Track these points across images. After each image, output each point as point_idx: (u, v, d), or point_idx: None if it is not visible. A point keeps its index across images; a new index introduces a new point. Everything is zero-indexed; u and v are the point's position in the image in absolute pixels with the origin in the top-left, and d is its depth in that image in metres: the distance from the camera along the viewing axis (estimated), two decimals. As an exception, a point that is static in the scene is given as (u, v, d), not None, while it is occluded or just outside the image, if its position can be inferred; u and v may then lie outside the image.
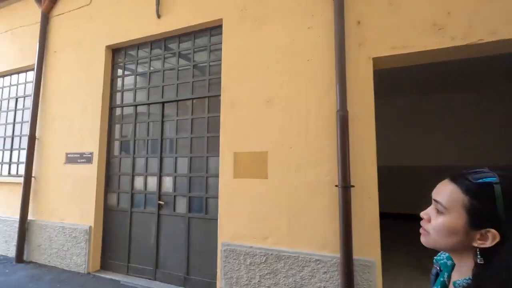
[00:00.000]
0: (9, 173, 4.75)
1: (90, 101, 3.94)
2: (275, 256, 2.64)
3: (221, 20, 3.21)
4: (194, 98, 3.42)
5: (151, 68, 3.76)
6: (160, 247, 3.43)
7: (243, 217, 2.84)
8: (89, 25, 4.12)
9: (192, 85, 3.44)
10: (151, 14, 3.62)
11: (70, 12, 4.33)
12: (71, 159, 3.97)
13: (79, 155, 3.92)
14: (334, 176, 2.51)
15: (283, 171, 2.72)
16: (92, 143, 3.85)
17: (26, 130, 4.64)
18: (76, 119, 4.03)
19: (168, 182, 3.47)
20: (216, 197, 3.09)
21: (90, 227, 3.70)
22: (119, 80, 4.00)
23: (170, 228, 3.38)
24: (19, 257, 4.04)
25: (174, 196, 3.40)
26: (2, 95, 5.05)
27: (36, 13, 4.62)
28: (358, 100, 2.51)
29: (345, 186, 2.37)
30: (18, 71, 4.87)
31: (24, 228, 4.09)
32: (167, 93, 3.60)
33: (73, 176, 3.93)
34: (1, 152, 4.89)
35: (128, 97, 3.91)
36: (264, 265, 2.68)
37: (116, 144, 3.92)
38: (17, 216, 4.24)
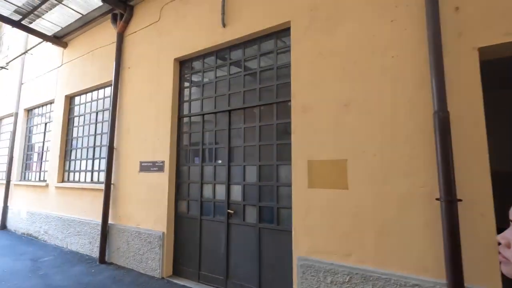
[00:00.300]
0: (91, 180, 5.25)
1: (161, 112, 4.14)
2: (361, 276, 2.38)
3: (289, 22, 3.09)
4: (262, 105, 3.34)
5: (217, 77, 3.80)
6: (231, 257, 3.39)
7: (321, 231, 2.63)
8: (158, 40, 4.36)
9: (259, 92, 3.37)
10: (217, 24, 3.67)
11: (141, 30, 4.65)
12: (144, 167, 4.21)
13: (151, 164, 4.13)
14: (431, 187, 2.17)
15: (367, 181, 2.45)
16: (163, 152, 4.02)
17: (105, 141, 5.10)
18: (148, 129, 4.27)
19: (236, 190, 3.44)
20: (288, 208, 2.94)
21: (163, 233, 3.84)
22: (187, 91, 4.14)
23: (240, 238, 3.33)
24: (102, 258, 4.39)
25: (243, 205, 3.35)
26: (85, 110, 5.65)
27: (112, 34, 5.07)
28: (461, 98, 2.14)
29: (450, 200, 2.01)
30: (98, 88, 5.40)
31: (105, 231, 4.44)
32: (234, 101, 3.59)
33: (147, 183, 4.15)
34: (85, 161, 5.45)
35: (196, 107, 4.01)
36: (348, 285, 2.43)
37: (185, 153, 4.03)
38: (99, 220, 4.64)
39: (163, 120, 4.10)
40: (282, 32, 3.25)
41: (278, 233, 3.05)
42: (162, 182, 3.98)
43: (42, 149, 6.56)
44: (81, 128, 5.66)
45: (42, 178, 6.39)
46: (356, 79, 2.61)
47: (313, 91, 2.84)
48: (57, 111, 6.07)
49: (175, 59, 4.13)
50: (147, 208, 4.11)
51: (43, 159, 6.49)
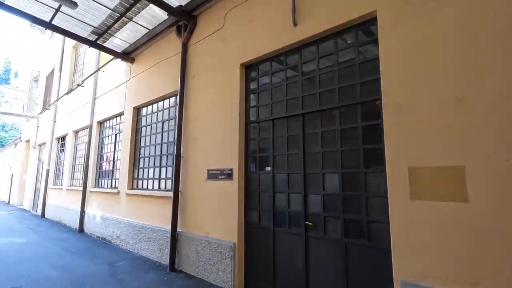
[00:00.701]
0: (159, 187, 5.41)
1: (228, 118, 4.06)
2: (496, 312, 1.90)
3: (374, 12, 2.75)
4: (342, 106, 3.02)
5: (288, 79, 3.59)
6: (310, 274, 3.09)
7: (432, 251, 2.20)
8: (223, 47, 4.32)
9: (337, 92, 3.07)
10: (286, 24, 3.48)
11: (205, 39, 4.68)
12: (212, 175, 4.15)
13: (219, 172, 4.05)
14: None
15: (497, 193, 1.98)
16: (231, 159, 3.92)
17: (172, 149, 5.22)
18: (215, 137, 4.22)
19: (315, 200, 3.14)
20: (383, 222, 2.56)
21: (234, 243, 3.70)
22: (254, 96, 4.00)
23: (322, 254, 3.01)
24: (172, 265, 4.42)
25: (324, 217, 3.04)
26: (151, 120, 5.90)
27: (176, 46, 5.22)
28: None
29: None
30: (163, 98, 5.59)
31: (175, 239, 4.47)
32: (308, 104, 3.34)
33: (215, 192, 4.08)
34: (152, 169, 5.65)
35: (264, 112, 3.84)
36: (477, 322, 1.96)
37: (254, 160, 3.87)
38: (167, 227, 4.71)
39: (230, 127, 4.01)
40: (365, 24, 2.92)
41: (369, 250, 2.67)
42: (231, 190, 3.87)
43: (113, 158, 7.03)
44: (148, 138, 5.92)
45: (113, 185, 6.83)
46: (472, 68, 2.16)
47: (410, 86, 2.45)
48: (126, 122, 6.46)
49: (241, 64, 4.03)
50: (216, 217, 4.03)
51: (114, 167, 6.95)
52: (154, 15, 5.03)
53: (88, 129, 8.31)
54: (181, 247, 4.45)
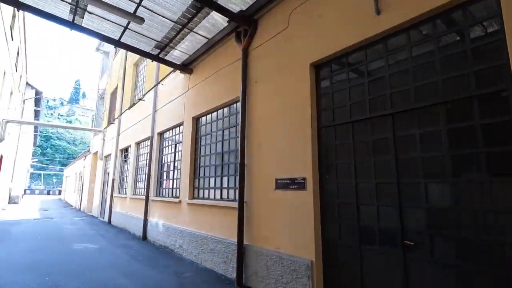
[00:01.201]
0: (221, 197, 5.29)
1: (297, 123, 3.76)
2: None
3: (492, -17, 2.24)
4: (448, 101, 2.51)
5: (370, 76, 3.18)
6: (414, 305, 2.57)
7: None
8: (289, 48, 4.07)
9: (440, 84, 2.57)
10: (366, 13, 3.08)
11: (267, 42, 4.49)
12: (281, 185, 3.86)
13: (290, 181, 3.74)
14: None
15: None
16: (303, 167, 3.59)
17: (233, 158, 5.07)
18: (283, 143, 3.94)
19: (415, 215, 2.64)
20: (525, 246, 1.97)
21: (311, 261, 3.32)
22: (327, 97, 3.65)
23: (429, 281, 2.48)
24: (239, 281, 4.19)
25: (430, 235, 2.51)
26: (211, 129, 5.87)
27: (235, 53, 5.14)
28: None
29: None
30: (223, 106, 5.53)
31: (241, 252, 4.25)
32: (398, 102, 2.87)
33: (285, 203, 3.77)
34: (213, 178, 5.58)
35: (341, 114, 3.45)
36: None
37: (331, 168, 3.49)
38: (232, 239, 4.52)
39: (301, 132, 3.69)
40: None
41: (507, 281, 2.09)
42: (304, 201, 3.52)
43: (173, 168, 7.19)
44: (208, 147, 5.90)
45: (174, 195, 6.95)
46: None
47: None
48: (186, 132, 6.56)
49: (311, 64, 3.72)
50: (287, 230, 3.70)
51: (175, 176, 7.09)
52: (214, 23, 5.01)
53: (149, 140, 8.72)
54: (249, 262, 4.21)
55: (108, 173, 13.08)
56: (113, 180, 11.53)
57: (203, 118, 6.21)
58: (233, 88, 5.12)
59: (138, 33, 5.49)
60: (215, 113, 5.82)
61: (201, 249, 5.35)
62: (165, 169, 7.73)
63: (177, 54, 6.23)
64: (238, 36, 5.05)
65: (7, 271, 4.71)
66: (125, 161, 11.17)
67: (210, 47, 5.78)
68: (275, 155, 4.06)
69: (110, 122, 13.83)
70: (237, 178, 4.68)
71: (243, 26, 4.80)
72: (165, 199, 7.06)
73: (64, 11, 4.94)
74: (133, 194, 9.53)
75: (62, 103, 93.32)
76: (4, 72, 11.59)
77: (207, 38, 5.51)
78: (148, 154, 8.46)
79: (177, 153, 7.16)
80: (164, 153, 7.93)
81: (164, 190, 7.59)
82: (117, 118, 12.16)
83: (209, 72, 5.99)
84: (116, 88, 13.60)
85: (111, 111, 14.46)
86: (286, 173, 3.81)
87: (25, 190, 34.66)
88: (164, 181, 7.64)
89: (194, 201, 5.85)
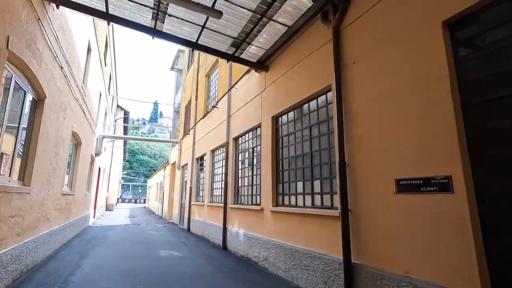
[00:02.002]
0: (312, 204, 4.54)
1: (426, 102, 2.81)
2: None
3: None
4: None
5: None
6: None
7: None
8: (403, 11, 3.17)
9: None
10: None
11: (368, 12, 3.66)
12: (407, 187, 2.91)
13: (421, 181, 2.77)
14: None
15: None
16: (444, 161, 2.60)
17: (325, 157, 4.30)
18: (403, 132, 3.01)
19: None
20: None
21: (475, 297, 2.28)
22: (475, 62, 2.61)
23: None
24: (349, 309, 3.33)
25: None
26: (294, 127, 5.22)
27: (323, 35, 4.44)
28: None
29: None
30: (308, 100, 4.84)
31: (350, 274, 3.39)
32: None
33: (415, 211, 2.81)
34: (300, 182, 4.87)
35: (500, 84, 2.39)
36: None
37: (493, 161, 2.42)
38: (334, 255, 3.71)
39: (435, 114, 2.72)
40: None
41: None
42: (449, 209, 2.52)
43: (252, 173, 6.75)
44: (292, 148, 5.25)
45: (254, 202, 6.47)
46: None
47: None
48: (264, 134, 6.06)
49: (445, 22, 2.75)
50: (422, 249, 2.72)
51: (254, 182, 6.63)
52: (296, 5, 4.42)
53: (224, 147, 8.56)
54: (362, 285, 3.31)
55: (186, 181, 13.61)
56: (190, 188, 11.85)
57: (284, 117, 5.62)
58: (321, 77, 4.40)
59: (215, 32, 5.26)
60: (300, 109, 5.16)
61: (292, 264, 4.64)
62: (242, 174, 7.36)
63: (253, 50, 5.83)
64: (325, 16, 4.35)
65: (104, 278, 4.78)
66: (201, 169, 11.37)
67: (290, 37, 5.19)
68: (391, 147, 3.14)
69: (185, 133, 14.51)
70: (334, 181, 3.89)
71: (332, 1, 4.08)
72: (245, 206, 6.63)
73: (146, 18, 5.00)
74: (210, 202, 9.48)
75: (144, 123, 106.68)
76: (100, 94, 13.21)
77: (287, 26, 4.94)
78: (224, 161, 8.27)
79: (255, 158, 6.71)
80: (240, 159, 7.60)
81: (242, 197, 7.20)
82: (192, 128, 12.60)
83: (288, 66, 5.41)
84: (190, 100, 14.26)
85: (186, 122, 15.23)
86: (414, 171, 2.86)
87: (118, 199, 39.67)
88: (243, 188, 7.25)
89: (279, 208, 5.23)
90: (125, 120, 25.96)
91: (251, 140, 7.00)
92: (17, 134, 4.30)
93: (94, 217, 15.12)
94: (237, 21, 4.94)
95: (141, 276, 4.89)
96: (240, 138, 7.69)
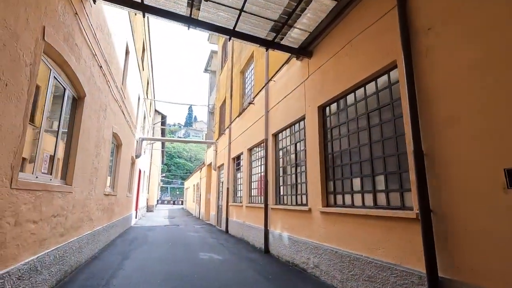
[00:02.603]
0: (374, 204, 3.85)
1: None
2: None
3: None
4: None
5: None
6: None
7: None
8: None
9: None
10: None
11: (445, -36, 2.94)
12: (526, 179, 2.16)
13: (551, 171, 2.02)
14: None
15: None
16: None
17: (391, 148, 3.60)
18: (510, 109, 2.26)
19: None
20: None
21: None
22: None
23: None
24: (438, 337, 2.62)
25: None
26: (346, 116, 4.57)
27: (377, 9, 3.77)
28: None
29: None
30: (364, 83, 4.17)
31: (438, 291, 2.68)
32: None
33: (543, 212, 2.06)
34: (358, 179, 4.21)
35: None
36: None
37: None
38: (408, 266, 3.03)
39: None
40: None
41: None
42: None
43: (295, 171, 6.19)
44: (344, 140, 4.60)
45: (299, 202, 5.89)
46: None
47: None
48: (310, 126, 5.47)
49: None
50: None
51: (298, 181, 6.05)
52: (349, -28, 3.80)
53: (263, 144, 8.10)
54: (454, 308, 2.59)
55: (222, 182, 13.41)
56: (227, 189, 11.57)
57: (333, 106, 4.98)
58: (380, 54, 3.73)
59: (254, 15, 4.81)
60: (351, 96, 4.50)
61: (350, 274, 3.99)
62: (284, 173, 6.82)
63: (295, 34, 5.28)
64: (384, -19, 3.67)
65: (145, 282, 4.53)
66: (238, 169, 11.04)
67: (338, 14, 4.57)
68: (494, 130, 2.40)
69: (220, 133, 14.34)
70: (405, 175, 3.19)
71: (396, -40, 3.40)
72: (288, 207, 6.08)
73: (182, 6, 4.70)
74: (249, 203, 9.06)
75: (180, 127, 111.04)
76: (139, 98, 13.54)
77: (336, 0, 4.33)
78: (263, 159, 7.80)
79: (298, 154, 6.14)
80: (280, 156, 7.07)
81: (285, 197, 6.65)
82: (227, 127, 12.35)
83: (336, 48, 4.78)
84: (224, 100, 14.07)
85: (221, 123, 15.08)
86: (537, 158, 2.11)
87: (157, 201, 41.26)
88: (285, 187, 6.70)
89: (331, 209, 4.60)
90: (163, 123, 26.79)
91: (293, 135, 6.43)
92: (58, 132, 4.20)
93: (136, 218, 15.56)
94: (278, 0, 4.44)
95: (181, 281, 4.56)
96: (280, 134, 7.16)
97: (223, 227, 11.88)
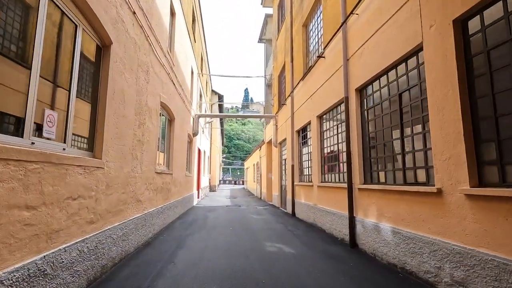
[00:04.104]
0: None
1: None
2: None
3: None
4: None
5: None
6: None
7: None
8: None
9: None
10: None
11: None
12: None
13: None
14: None
15: None
16: None
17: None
18: None
19: None
20: None
21: None
22: None
23: None
24: None
25: None
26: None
27: None
28: None
29: None
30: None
31: None
32: None
33: None
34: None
35: None
36: None
37: None
38: None
39: None
40: None
41: None
42: None
43: (401, 135, 4.20)
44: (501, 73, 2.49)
45: (408, 179, 3.95)
46: None
47: None
48: (430, 68, 3.39)
49: None
50: None
51: (405, 150, 4.08)
52: None
53: (340, 106, 6.20)
54: None
55: (285, 159, 11.90)
56: (292, 166, 10.01)
57: (369, 87, 2.83)
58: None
59: None
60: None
61: None
62: (379, 140, 4.86)
63: None
64: None
65: (195, 285, 3.30)
66: (304, 143, 9.32)
67: None
68: None
69: (281, 104, 12.69)
70: None
71: None
72: (389, 187, 4.19)
73: None
74: (322, 182, 7.33)
75: (238, 110, 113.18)
76: (192, 72, 12.64)
77: None
78: (345, 124, 5.93)
79: (404, 111, 4.12)
80: (370, 118, 5.10)
81: (380, 173, 4.74)
82: (289, 96, 10.61)
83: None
84: (283, 67, 12.26)
85: (280, 94, 13.40)
86: None
87: (219, 181, 42.41)
88: (381, 159, 4.77)
89: (485, 191, 2.62)
90: (220, 103, 26.36)
91: (394, 82, 4.39)
92: (70, 83, 3.08)
93: (198, 197, 15.29)
94: None
95: (248, 282, 3.25)
96: (369, 87, 5.14)
97: (289, 210, 10.47)
